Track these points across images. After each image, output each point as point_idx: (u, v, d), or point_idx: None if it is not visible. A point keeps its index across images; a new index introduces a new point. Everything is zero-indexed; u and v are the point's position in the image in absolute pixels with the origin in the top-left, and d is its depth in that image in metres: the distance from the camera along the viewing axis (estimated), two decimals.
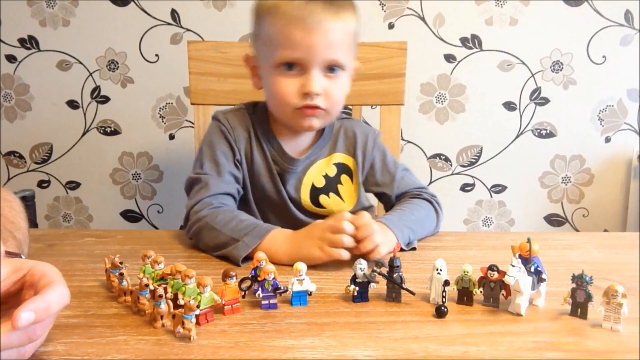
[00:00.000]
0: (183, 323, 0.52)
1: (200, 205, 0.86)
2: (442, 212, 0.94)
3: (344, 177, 0.98)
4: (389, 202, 0.99)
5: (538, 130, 1.64)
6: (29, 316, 0.43)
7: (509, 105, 1.62)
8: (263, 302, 0.60)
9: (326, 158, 0.97)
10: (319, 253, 0.73)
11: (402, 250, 0.81)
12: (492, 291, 0.60)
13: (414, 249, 0.83)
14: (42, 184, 1.67)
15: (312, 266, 0.71)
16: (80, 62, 1.59)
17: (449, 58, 1.59)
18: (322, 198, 0.96)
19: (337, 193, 0.97)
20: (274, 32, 0.87)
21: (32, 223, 1.40)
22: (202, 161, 0.92)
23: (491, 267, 0.59)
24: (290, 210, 0.95)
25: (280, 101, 0.89)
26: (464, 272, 0.60)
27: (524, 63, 1.59)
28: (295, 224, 0.83)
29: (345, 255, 0.72)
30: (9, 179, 1.67)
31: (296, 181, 0.95)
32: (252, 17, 0.92)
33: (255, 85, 0.96)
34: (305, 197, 0.95)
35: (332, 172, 0.97)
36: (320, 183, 0.96)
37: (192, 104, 1.17)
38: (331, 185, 0.97)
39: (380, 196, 1.01)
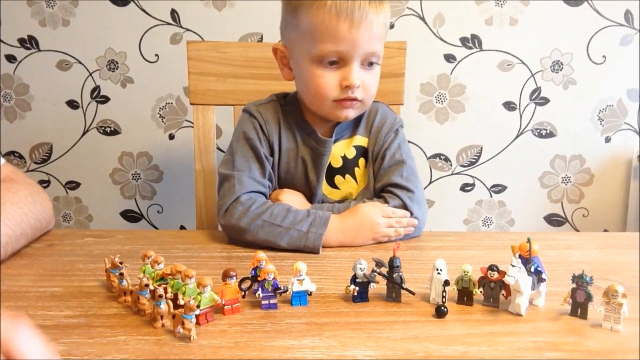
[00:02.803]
0: (183, 323, 0.52)
1: (242, 203, 0.86)
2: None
3: (362, 161, 0.98)
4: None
5: (538, 130, 1.63)
6: None
7: (509, 105, 1.62)
8: (263, 302, 0.60)
9: (348, 139, 0.97)
10: (372, 242, 0.86)
11: None
12: (492, 291, 0.60)
13: None
14: (42, 184, 1.67)
15: (312, 266, 0.72)
16: (80, 62, 1.59)
17: (449, 58, 1.59)
18: (338, 178, 0.97)
19: (353, 175, 0.97)
20: (317, 24, 0.85)
21: None
22: (235, 158, 0.92)
23: (491, 267, 0.59)
24: (315, 194, 0.96)
25: (319, 94, 0.89)
26: (464, 272, 0.60)
27: (524, 63, 1.59)
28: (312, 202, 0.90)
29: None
30: None
31: (326, 158, 0.95)
32: (286, 7, 0.90)
33: (285, 76, 0.96)
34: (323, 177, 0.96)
35: (351, 154, 0.97)
36: (337, 163, 0.96)
37: (191, 104, 1.17)
38: (348, 167, 0.97)
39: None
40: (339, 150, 0.96)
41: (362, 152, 0.98)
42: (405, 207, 0.89)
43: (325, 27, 0.84)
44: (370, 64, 0.89)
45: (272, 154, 0.95)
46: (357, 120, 0.97)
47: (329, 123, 0.96)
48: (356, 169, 0.97)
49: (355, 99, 0.89)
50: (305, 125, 0.96)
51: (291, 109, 0.97)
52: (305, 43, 0.87)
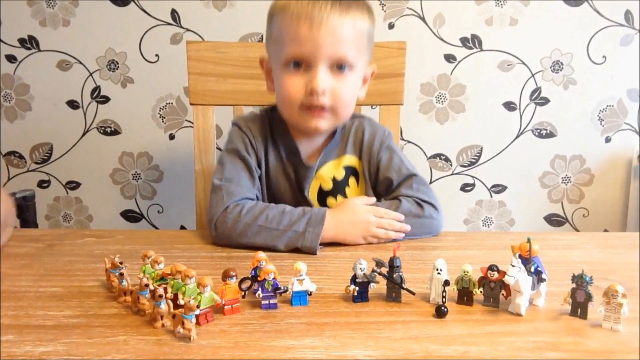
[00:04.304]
0: (183, 323, 0.52)
1: (231, 212, 0.85)
2: (424, 218, 0.89)
3: (352, 180, 0.97)
4: None
5: (538, 130, 1.63)
6: None
7: (509, 105, 1.62)
8: (263, 302, 0.60)
9: (336, 160, 0.97)
10: (362, 241, 0.85)
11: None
12: (492, 291, 0.60)
13: None
14: (42, 184, 1.67)
15: (312, 266, 0.72)
16: (80, 62, 1.59)
17: (449, 58, 1.59)
18: (330, 200, 0.96)
19: (344, 195, 0.97)
20: (283, 30, 0.87)
21: (32, 223, 1.40)
22: (224, 168, 0.92)
23: (491, 267, 0.59)
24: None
25: (287, 99, 0.88)
26: (464, 272, 0.60)
27: (524, 63, 1.59)
28: None
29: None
30: (9, 179, 1.67)
31: (308, 183, 0.96)
32: (266, 20, 0.93)
33: (268, 88, 0.97)
34: (313, 198, 0.96)
35: (341, 175, 0.97)
36: (328, 186, 0.96)
37: (191, 104, 1.17)
38: (339, 188, 0.96)
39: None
40: (328, 173, 0.96)
41: (352, 171, 0.97)
42: (419, 205, 0.89)
43: (289, 30, 0.86)
44: (340, 68, 0.87)
45: (260, 167, 0.95)
46: (344, 140, 0.97)
47: (314, 141, 0.95)
48: (347, 188, 0.97)
49: (323, 107, 0.87)
50: (290, 143, 0.95)
51: (277, 122, 0.97)
52: (277, 50, 0.89)
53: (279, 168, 0.96)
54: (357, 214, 0.86)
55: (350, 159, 0.97)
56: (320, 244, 0.82)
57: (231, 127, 0.99)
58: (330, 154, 0.96)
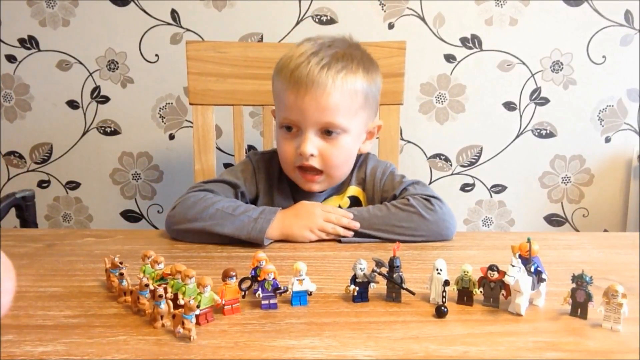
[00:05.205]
0: (183, 323, 0.52)
1: (194, 195, 0.88)
2: (430, 214, 0.86)
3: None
4: None
5: (538, 130, 1.63)
6: None
7: (509, 105, 1.62)
8: (263, 302, 0.60)
9: (341, 194, 0.99)
10: (310, 234, 0.85)
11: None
12: (492, 291, 0.60)
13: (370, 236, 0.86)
14: (42, 184, 1.67)
15: (312, 266, 0.72)
16: (80, 62, 1.59)
17: (449, 58, 1.59)
18: None
19: None
20: (276, 92, 0.92)
21: (32, 223, 1.40)
22: (212, 179, 0.96)
23: (491, 267, 0.59)
24: None
25: (283, 159, 0.93)
26: (464, 272, 0.60)
27: (524, 63, 1.59)
28: None
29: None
30: (9, 179, 1.67)
31: None
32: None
33: None
34: None
35: (346, 204, 0.98)
36: None
37: (190, 104, 1.17)
38: None
39: None
40: (334, 202, 0.98)
41: (356, 201, 0.99)
42: (427, 200, 0.87)
43: (281, 95, 0.89)
44: (329, 133, 0.88)
45: (256, 198, 0.98)
46: (349, 174, 0.98)
47: None
48: None
49: (312, 168, 0.89)
50: (293, 182, 0.98)
51: None
52: (276, 110, 0.94)
53: (284, 200, 0.97)
54: (303, 207, 0.88)
55: (353, 190, 0.99)
56: (271, 240, 0.84)
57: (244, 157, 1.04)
58: (336, 190, 0.99)
